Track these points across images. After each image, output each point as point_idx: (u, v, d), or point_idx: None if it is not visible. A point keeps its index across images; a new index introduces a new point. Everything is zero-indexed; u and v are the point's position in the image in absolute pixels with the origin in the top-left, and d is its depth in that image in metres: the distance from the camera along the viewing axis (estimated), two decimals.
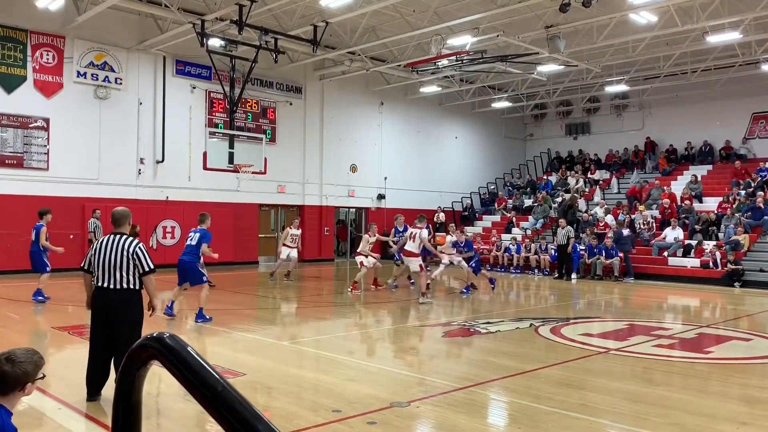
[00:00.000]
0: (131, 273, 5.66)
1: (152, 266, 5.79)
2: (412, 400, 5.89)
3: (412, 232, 13.55)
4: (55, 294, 12.98)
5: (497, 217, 26.19)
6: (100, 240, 5.81)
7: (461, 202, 28.00)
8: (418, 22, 17.91)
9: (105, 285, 5.63)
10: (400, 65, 21.81)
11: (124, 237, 5.77)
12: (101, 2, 15.72)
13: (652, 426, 5.37)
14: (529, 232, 22.65)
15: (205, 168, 17.94)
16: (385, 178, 25.88)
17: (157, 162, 19.67)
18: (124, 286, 5.65)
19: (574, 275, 19.39)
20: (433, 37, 17.96)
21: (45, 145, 17.56)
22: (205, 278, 10.70)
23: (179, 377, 1.46)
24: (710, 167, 24.71)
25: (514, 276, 20.30)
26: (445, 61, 19.66)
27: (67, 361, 7.48)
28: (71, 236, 17.21)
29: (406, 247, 13.64)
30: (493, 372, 7.31)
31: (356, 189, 24.95)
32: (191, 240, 10.67)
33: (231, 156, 17.71)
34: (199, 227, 10.79)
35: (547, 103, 29.58)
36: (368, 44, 19.72)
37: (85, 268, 5.79)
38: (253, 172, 18.59)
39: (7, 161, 16.95)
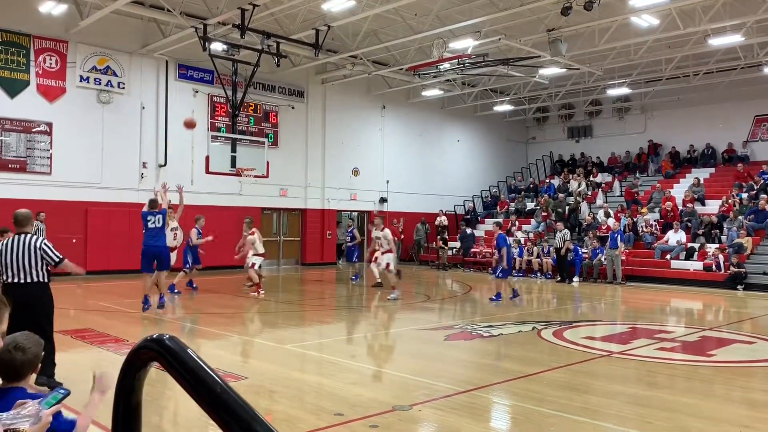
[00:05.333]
0: (41, 267, 6.14)
1: (60, 256, 6.28)
2: (414, 404, 5.88)
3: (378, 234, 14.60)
4: (55, 297, 13.00)
5: (499, 221, 26.11)
6: (5, 241, 6.20)
7: (463, 205, 27.99)
8: (419, 26, 17.93)
9: (16, 281, 6.05)
10: (402, 69, 21.83)
11: (29, 236, 6.18)
12: (104, 7, 15.76)
13: (655, 429, 5.36)
14: (531, 235, 22.62)
15: (207, 172, 17.96)
16: (387, 182, 25.88)
17: (160, 166, 19.70)
18: (35, 279, 6.13)
19: (576, 278, 19.42)
20: (434, 40, 18.00)
21: (48, 150, 17.60)
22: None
23: (178, 378, 1.46)
24: (713, 170, 24.67)
25: (516, 279, 20.26)
26: (446, 65, 19.67)
27: (70, 364, 7.48)
28: (74, 240, 17.26)
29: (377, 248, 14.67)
30: (495, 375, 7.29)
31: (358, 192, 24.96)
32: (156, 222, 10.81)
33: (233, 160, 17.72)
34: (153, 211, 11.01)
35: (549, 106, 29.57)
36: (370, 48, 19.75)
37: None
38: (255, 176, 18.61)
39: (10, 165, 16.99)
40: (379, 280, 15.60)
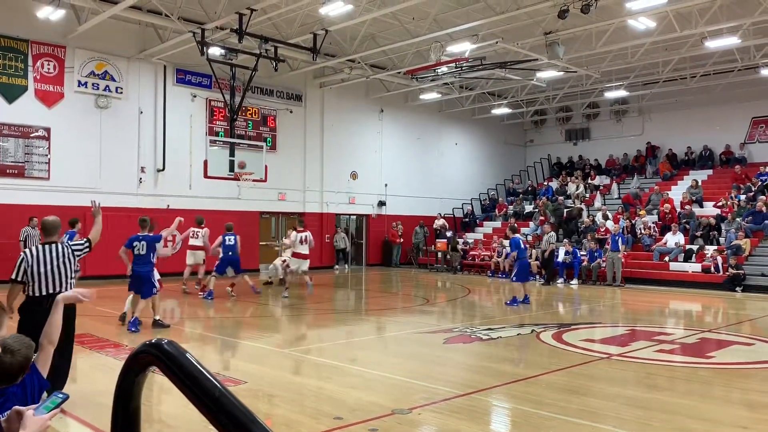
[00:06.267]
0: (71, 277, 5.82)
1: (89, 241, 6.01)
2: (413, 407, 5.88)
3: (301, 236, 14.65)
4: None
5: (498, 223, 26.18)
6: (33, 251, 5.72)
7: (462, 208, 28.01)
8: (417, 30, 17.97)
9: (51, 291, 5.60)
10: (399, 72, 21.87)
11: (60, 245, 5.81)
12: (101, 12, 15.78)
13: (654, 431, 5.36)
14: (530, 237, 22.62)
15: (205, 176, 17.94)
16: (386, 185, 25.90)
17: (158, 170, 19.70)
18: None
19: (575, 280, 19.46)
20: (432, 44, 18.03)
21: (46, 155, 17.59)
22: (155, 290, 10.14)
23: (177, 382, 1.47)
24: (710, 172, 24.71)
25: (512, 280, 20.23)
26: (444, 68, 19.70)
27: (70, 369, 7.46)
28: None
29: (297, 250, 14.73)
30: (494, 378, 7.29)
31: (357, 196, 24.96)
32: (140, 249, 10.09)
33: (232, 164, 17.72)
34: (141, 233, 10.28)
35: (547, 109, 29.62)
36: (368, 52, 19.78)
37: (18, 279, 5.68)
38: (253, 180, 18.60)
39: (8, 171, 16.98)
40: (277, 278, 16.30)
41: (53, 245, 5.77)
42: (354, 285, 20.45)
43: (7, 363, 2.58)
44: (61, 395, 2.27)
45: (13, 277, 5.67)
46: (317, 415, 5.71)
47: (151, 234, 10.36)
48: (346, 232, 26.35)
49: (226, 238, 14.61)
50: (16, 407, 2.21)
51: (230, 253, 14.54)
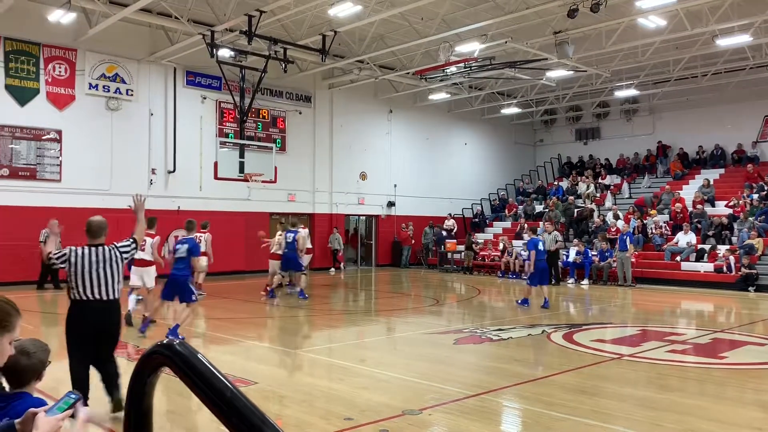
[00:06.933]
0: (119, 281, 5.59)
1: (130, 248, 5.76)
2: (424, 408, 5.88)
3: (293, 235, 14.71)
4: (64, 304, 13.04)
5: (508, 224, 26.12)
6: (80, 251, 5.48)
7: (471, 208, 27.95)
8: (426, 30, 17.96)
9: (98, 297, 5.42)
10: (408, 73, 21.86)
11: (106, 247, 5.57)
12: (112, 15, 15.88)
13: None
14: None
15: (216, 178, 18.02)
16: (395, 186, 25.90)
17: (169, 172, 19.80)
18: (116, 296, 5.56)
19: (585, 281, 19.40)
20: (441, 44, 18.00)
21: (58, 157, 17.73)
22: (194, 297, 9.78)
23: (189, 383, 1.47)
24: (722, 171, 24.53)
25: (526, 282, 20.18)
26: (453, 68, 19.67)
27: None
28: None
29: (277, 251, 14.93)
30: (505, 379, 7.27)
31: (366, 197, 24.97)
32: (181, 252, 9.72)
33: (242, 165, 17.79)
34: (187, 236, 10.14)
35: (557, 109, 29.53)
36: (377, 53, 19.79)
37: (55, 258, 5.46)
38: (263, 181, 18.67)
39: (20, 173, 17.12)
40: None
41: (99, 247, 5.53)
42: (364, 285, 20.47)
43: (22, 365, 2.58)
44: (73, 395, 2.28)
45: (52, 253, 5.47)
46: (327, 416, 5.71)
47: (193, 239, 10.13)
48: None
49: (288, 235, 14.70)
50: (32, 409, 2.23)
51: (288, 251, 14.64)
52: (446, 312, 14.01)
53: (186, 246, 9.78)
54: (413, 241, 25.52)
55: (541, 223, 24.07)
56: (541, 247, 13.74)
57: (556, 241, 19.38)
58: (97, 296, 5.40)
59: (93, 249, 5.49)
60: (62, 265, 5.49)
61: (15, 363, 2.55)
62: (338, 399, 6.36)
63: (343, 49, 20.26)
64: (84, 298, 5.39)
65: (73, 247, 5.50)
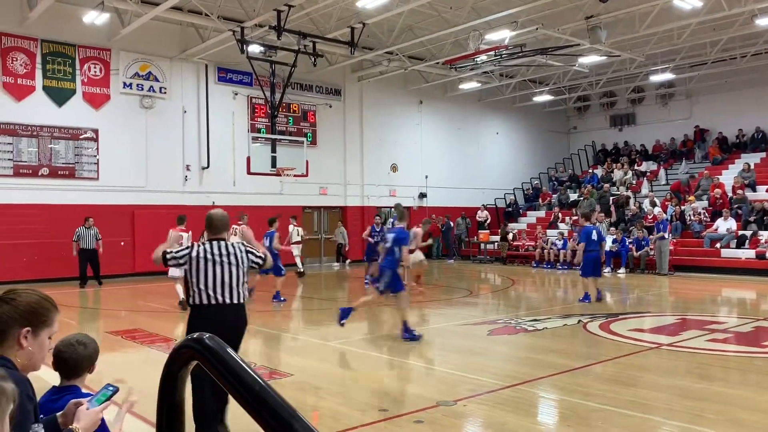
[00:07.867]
0: (244, 283, 4.93)
1: (262, 255, 5.11)
2: (458, 399, 5.86)
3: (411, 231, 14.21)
4: (105, 300, 13.35)
5: (542, 213, 25.83)
6: (202, 248, 4.81)
7: (504, 198, 27.72)
8: (455, 19, 17.81)
9: (221, 301, 4.74)
10: (438, 63, 21.73)
11: (230, 244, 4.93)
12: (144, 14, 16.12)
13: (707, 423, 5.21)
14: (565, 232, 22.23)
15: (248, 173, 18.21)
16: (426, 177, 25.81)
17: (203, 168, 20.08)
18: (242, 300, 4.89)
19: (622, 269, 19.09)
20: (470, 33, 17.84)
21: (95, 156, 18.11)
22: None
23: (218, 377, 1.48)
24: (763, 155, 23.83)
25: (561, 272, 19.98)
26: (483, 57, 19.46)
27: (121, 364, 7.69)
28: (122, 243, 17.75)
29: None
30: (540, 370, 7.20)
31: (397, 188, 24.94)
32: (387, 242, 9.40)
33: (273, 160, 17.93)
34: (397, 227, 9.59)
35: (590, 95, 29.03)
36: (405, 43, 19.71)
37: (168, 259, 4.83)
38: (295, 176, 18.80)
39: (60, 172, 17.54)
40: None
41: (222, 242, 4.87)
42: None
43: (80, 355, 2.72)
44: (111, 387, 2.33)
45: (170, 253, 4.84)
46: (363, 407, 5.73)
47: (402, 228, 9.62)
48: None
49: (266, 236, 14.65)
50: (74, 400, 2.29)
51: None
52: (480, 303, 13.94)
53: (392, 236, 9.37)
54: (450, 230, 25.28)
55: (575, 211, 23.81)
56: (594, 236, 12.76)
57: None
58: (221, 300, 4.73)
59: (214, 243, 4.84)
60: (184, 264, 4.85)
61: (74, 352, 2.71)
62: (373, 390, 6.38)
63: (372, 41, 20.22)
64: (205, 302, 4.73)
65: (195, 243, 4.96)
